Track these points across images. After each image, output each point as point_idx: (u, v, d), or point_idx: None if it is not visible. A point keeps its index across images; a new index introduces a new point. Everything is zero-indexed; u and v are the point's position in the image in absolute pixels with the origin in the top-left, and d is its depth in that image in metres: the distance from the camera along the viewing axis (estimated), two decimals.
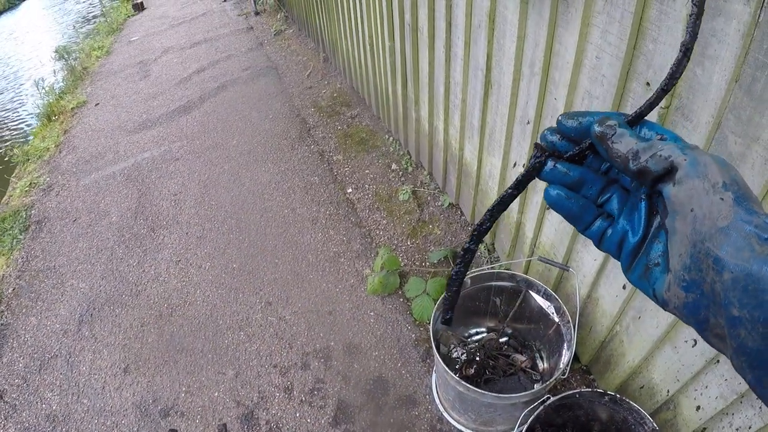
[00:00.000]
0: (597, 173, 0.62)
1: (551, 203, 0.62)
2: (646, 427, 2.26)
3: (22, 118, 8.89)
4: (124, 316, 3.86)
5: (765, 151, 1.43)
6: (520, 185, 0.63)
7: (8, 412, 3.40)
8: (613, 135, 0.55)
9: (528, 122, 2.62)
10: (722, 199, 0.46)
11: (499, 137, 2.97)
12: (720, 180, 0.47)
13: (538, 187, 2.74)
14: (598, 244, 0.62)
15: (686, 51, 0.57)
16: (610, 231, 0.60)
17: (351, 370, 3.22)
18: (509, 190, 0.62)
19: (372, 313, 3.52)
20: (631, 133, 0.54)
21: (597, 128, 0.56)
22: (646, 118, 0.58)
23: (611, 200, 0.61)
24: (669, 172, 0.50)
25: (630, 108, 1.89)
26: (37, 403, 3.42)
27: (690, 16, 0.56)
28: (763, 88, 1.38)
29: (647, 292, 0.56)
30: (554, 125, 0.62)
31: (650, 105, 0.57)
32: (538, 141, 0.63)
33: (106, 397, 3.35)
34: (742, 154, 1.49)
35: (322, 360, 3.30)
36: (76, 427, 3.23)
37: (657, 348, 2.21)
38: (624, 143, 0.54)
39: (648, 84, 1.77)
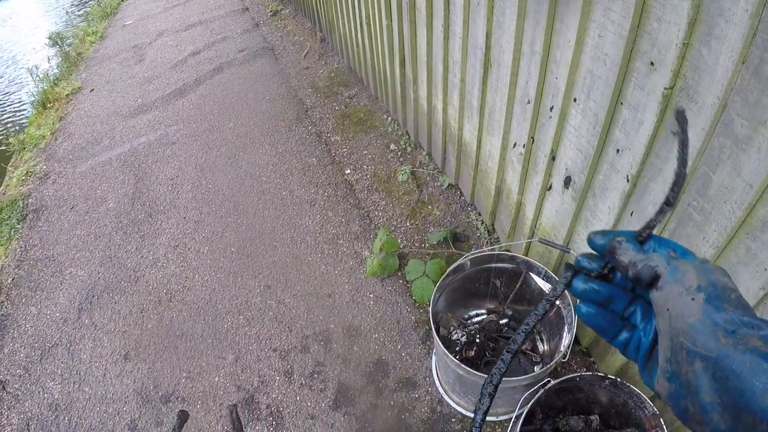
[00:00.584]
0: (624, 290, 0.66)
1: (582, 318, 0.67)
2: (646, 411, 2.25)
3: (17, 106, 8.83)
4: (124, 303, 3.84)
5: None
6: (551, 303, 0.68)
7: (11, 403, 3.39)
8: (619, 248, 0.62)
9: (528, 102, 2.58)
10: (693, 299, 0.52)
11: (499, 117, 2.93)
12: (695, 283, 0.54)
13: (539, 167, 2.70)
14: (623, 352, 0.67)
15: (678, 177, 0.65)
16: (631, 340, 0.66)
17: (351, 353, 3.21)
18: (542, 308, 0.67)
19: (371, 296, 3.50)
20: (635, 247, 0.62)
21: (608, 244, 0.64)
22: (657, 234, 0.64)
23: (635, 313, 0.66)
24: (655, 280, 0.57)
25: (633, 87, 1.86)
26: (39, 392, 3.42)
27: (679, 143, 0.65)
28: None
29: (652, 388, 0.61)
30: (588, 251, 0.69)
31: (649, 225, 0.64)
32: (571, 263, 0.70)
33: (107, 385, 3.34)
34: (748, 137, 1.45)
35: (322, 343, 3.28)
36: (79, 415, 3.23)
37: None
38: (627, 255, 0.61)
39: (652, 64, 1.72)
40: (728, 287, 0.54)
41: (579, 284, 0.66)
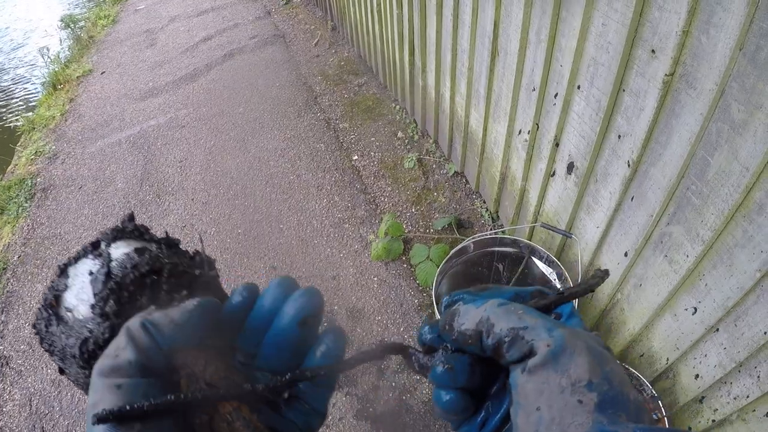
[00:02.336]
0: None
1: (445, 408, 0.51)
2: (645, 395, 2.28)
3: (28, 87, 8.86)
4: None
5: (767, 119, 1.42)
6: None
7: (14, 378, 3.44)
8: (456, 316, 0.48)
9: (534, 89, 2.62)
10: (581, 401, 0.38)
11: (505, 105, 2.97)
12: (586, 377, 0.39)
13: (543, 154, 2.74)
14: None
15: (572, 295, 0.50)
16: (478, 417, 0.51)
17: (354, 334, 3.25)
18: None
19: (375, 279, 3.54)
20: (479, 304, 0.47)
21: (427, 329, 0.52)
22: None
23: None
24: (526, 356, 0.42)
25: (634, 74, 1.89)
26: (42, 368, 3.47)
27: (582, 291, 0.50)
28: (767, 57, 1.37)
29: None
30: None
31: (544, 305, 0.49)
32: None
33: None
34: (744, 121, 1.49)
35: (326, 324, 3.31)
36: (81, 391, 3.26)
37: (657, 316, 2.21)
38: (470, 318, 0.46)
39: (653, 51, 1.76)
40: (624, 382, 0.40)
41: (436, 371, 0.50)
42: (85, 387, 0.53)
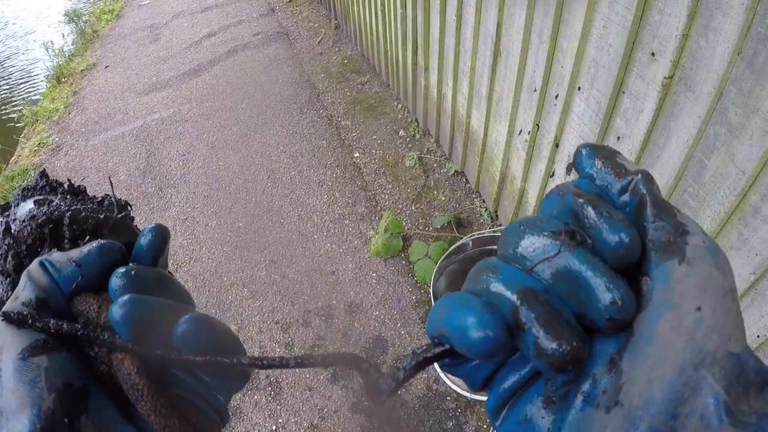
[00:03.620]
0: None
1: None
2: None
3: (31, 79, 8.87)
4: None
5: (764, 123, 1.45)
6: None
7: None
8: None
9: (535, 90, 2.64)
10: (739, 312, 0.32)
11: (506, 105, 2.99)
12: (735, 287, 0.33)
13: (542, 154, 2.76)
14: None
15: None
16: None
17: (351, 329, 3.27)
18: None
19: (374, 275, 3.57)
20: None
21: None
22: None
23: None
24: (675, 234, 0.33)
25: (634, 76, 1.92)
26: None
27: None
28: (765, 61, 1.40)
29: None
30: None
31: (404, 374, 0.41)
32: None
33: None
34: (741, 125, 1.51)
35: (324, 318, 3.35)
36: None
37: None
38: (627, 162, 0.38)
39: (653, 54, 1.79)
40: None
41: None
42: None
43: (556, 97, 2.47)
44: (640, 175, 0.35)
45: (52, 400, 0.38)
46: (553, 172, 2.71)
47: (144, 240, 0.48)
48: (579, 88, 2.29)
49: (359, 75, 5.89)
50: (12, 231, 0.53)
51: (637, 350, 0.31)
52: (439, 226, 3.73)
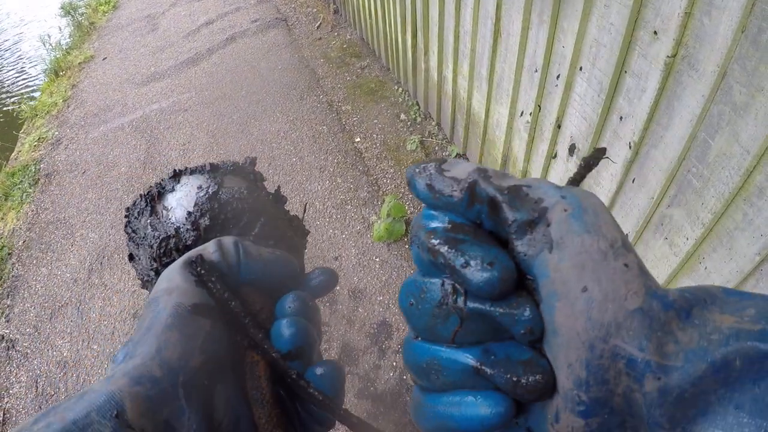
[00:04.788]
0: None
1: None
2: None
3: (30, 74, 8.84)
4: None
5: None
6: None
7: (20, 361, 3.47)
8: (442, 165, 0.39)
9: (536, 70, 2.61)
10: (626, 264, 0.32)
11: (507, 86, 2.96)
12: (619, 235, 0.33)
13: (544, 136, 2.74)
14: None
15: None
16: None
17: (355, 314, 3.27)
18: None
19: (377, 259, 3.56)
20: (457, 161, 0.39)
21: (413, 168, 0.40)
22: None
23: None
24: (535, 226, 0.34)
25: (636, 56, 1.90)
26: (48, 350, 3.49)
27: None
28: None
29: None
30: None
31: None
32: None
33: (115, 342, 3.42)
34: (746, 104, 1.49)
35: (327, 304, 3.35)
36: (87, 372, 3.30)
37: None
38: (462, 168, 0.38)
39: (655, 33, 1.76)
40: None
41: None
42: (146, 280, 0.60)
43: (558, 77, 2.44)
44: (471, 178, 0.37)
45: (201, 361, 0.42)
46: (556, 153, 2.69)
47: (317, 280, 0.55)
48: (580, 68, 2.26)
49: (359, 59, 5.85)
50: (219, 198, 0.60)
51: (550, 344, 0.33)
52: None
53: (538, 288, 0.34)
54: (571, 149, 2.50)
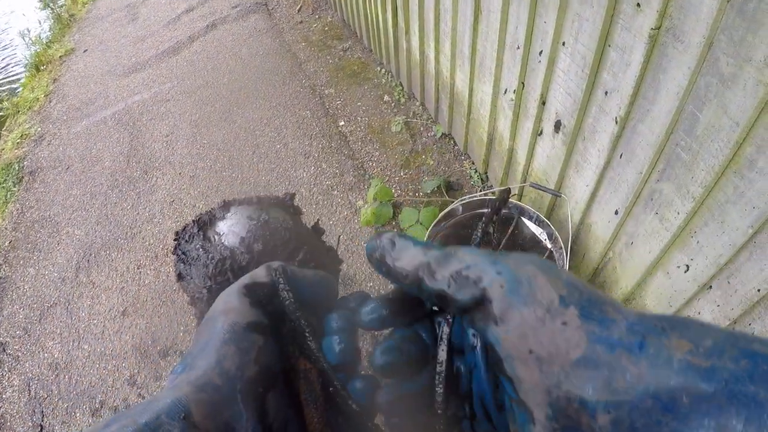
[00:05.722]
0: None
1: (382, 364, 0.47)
2: None
3: (11, 70, 8.76)
4: (121, 260, 3.87)
5: (757, 72, 1.39)
6: None
7: (11, 364, 3.45)
8: (392, 250, 0.45)
9: (518, 47, 2.56)
10: (565, 323, 0.35)
11: (490, 64, 2.91)
12: (554, 295, 0.36)
13: (529, 113, 2.69)
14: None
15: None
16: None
17: None
18: None
19: (366, 245, 3.51)
20: (417, 243, 0.44)
21: (370, 246, 0.47)
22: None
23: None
24: (479, 303, 0.38)
25: (620, 29, 1.85)
26: (39, 352, 3.46)
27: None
28: (756, 8, 1.33)
29: None
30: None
31: None
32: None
33: (106, 342, 3.38)
34: (733, 75, 1.46)
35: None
36: (79, 373, 3.27)
37: (649, 274, 2.20)
38: (409, 258, 0.43)
39: (638, 5, 1.71)
40: (583, 282, 0.38)
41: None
42: (197, 297, 0.69)
43: (540, 53, 2.39)
44: (417, 275, 0.43)
45: (255, 372, 0.46)
46: (542, 131, 2.65)
47: (355, 303, 0.56)
48: (563, 43, 2.21)
49: (341, 41, 5.77)
50: (269, 226, 0.69)
51: (519, 388, 0.37)
52: (429, 191, 3.67)
53: (498, 351, 0.38)
54: (557, 126, 2.46)
